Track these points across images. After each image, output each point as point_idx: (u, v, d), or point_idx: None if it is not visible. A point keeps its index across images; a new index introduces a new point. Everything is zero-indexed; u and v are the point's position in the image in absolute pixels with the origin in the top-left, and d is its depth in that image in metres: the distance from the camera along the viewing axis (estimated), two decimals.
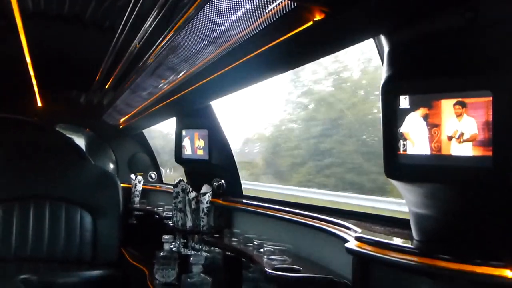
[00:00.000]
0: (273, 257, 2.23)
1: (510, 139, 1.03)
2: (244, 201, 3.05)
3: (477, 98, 1.07)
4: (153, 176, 5.02)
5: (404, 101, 1.20)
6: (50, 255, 4.28)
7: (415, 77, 1.20)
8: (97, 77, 3.36)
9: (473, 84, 1.07)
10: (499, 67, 1.04)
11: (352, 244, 1.52)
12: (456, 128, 1.11)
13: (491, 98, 1.04)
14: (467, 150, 1.10)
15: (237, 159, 3.30)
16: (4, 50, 3.10)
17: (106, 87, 3.49)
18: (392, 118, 1.24)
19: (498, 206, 1.12)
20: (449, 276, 1.19)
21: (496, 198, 1.11)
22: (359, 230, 1.70)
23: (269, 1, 1.41)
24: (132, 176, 4.77)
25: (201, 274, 2.76)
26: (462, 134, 1.10)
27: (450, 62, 1.14)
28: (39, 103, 4.72)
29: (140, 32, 2.23)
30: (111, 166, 5.15)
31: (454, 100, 1.11)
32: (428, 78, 1.17)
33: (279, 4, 1.39)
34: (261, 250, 2.35)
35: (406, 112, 1.21)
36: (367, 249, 1.43)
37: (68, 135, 5.03)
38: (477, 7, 1.06)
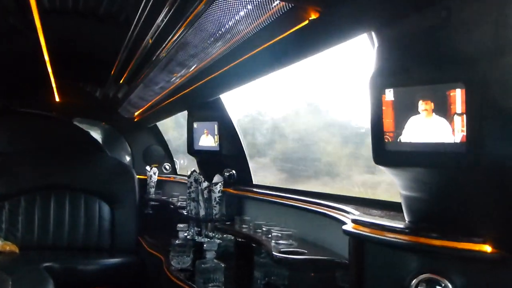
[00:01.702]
0: (280, 241, 2.35)
1: (481, 126, 1.13)
2: (254, 190, 3.16)
3: (454, 89, 1.17)
4: (167, 167, 5.15)
5: (389, 94, 1.31)
6: (70, 243, 4.47)
7: (399, 71, 1.31)
8: (112, 72, 3.47)
9: (448, 78, 1.18)
10: (471, 62, 1.14)
11: (349, 226, 1.64)
12: (433, 118, 1.22)
13: (464, 90, 1.14)
14: (447, 137, 1.21)
15: None
16: (23, 47, 3.24)
17: (121, 81, 3.61)
18: (379, 110, 1.35)
19: (474, 187, 1.22)
20: (434, 252, 1.31)
21: (471, 180, 1.21)
22: (357, 213, 1.82)
23: (269, 1, 1.53)
24: (148, 167, 4.90)
25: (215, 260, 2.90)
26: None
27: (429, 57, 1.24)
28: (57, 98, 4.87)
29: (153, 28, 2.34)
30: (127, 158, 5.29)
31: (435, 91, 1.21)
32: (410, 72, 1.28)
33: (277, 4, 1.51)
34: (269, 235, 2.47)
35: (391, 103, 1.32)
36: (362, 230, 1.55)
37: (85, 129, 5.20)
38: (450, 7, 1.16)
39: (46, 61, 3.36)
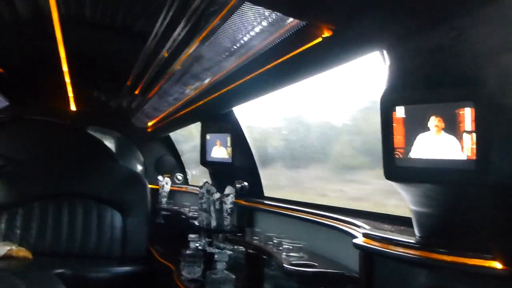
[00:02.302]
0: (290, 253, 2.37)
1: (489, 144, 1.16)
2: (265, 202, 3.18)
3: (463, 108, 1.20)
4: (179, 177, 5.18)
5: (399, 111, 1.34)
6: (82, 251, 4.51)
7: (410, 89, 1.34)
8: (128, 82, 3.54)
9: (457, 96, 1.20)
10: (480, 81, 1.17)
11: (360, 240, 1.66)
12: (443, 135, 1.25)
13: (473, 109, 1.17)
14: (456, 154, 1.23)
15: None
16: (43, 57, 3.33)
17: (136, 92, 3.67)
18: (389, 126, 1.38)
19: (483, 204, 1.24)
20: (444, 267, 1.32)
21: (480, 196, 1.23)
22: (368, 227, 1.83)
23: (283, 19, 1.57)
24: (160, 177, 4.93)
25: (225, 271, 2.91)
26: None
27: (438, 76, 1.27)
28: (72, 106, 4.96)
29: (169, 42, 2.40)
30: (139, 167, 5.34)
31: (444, 109, 1.24)
32: (421, 90, 1.31)
33: (292, 21, 1.55)
34: (280, 247, 2.48)
35: (402, 120, 1.35)
36: (372, 244, 1.57)
37: (99, 137, 5.27)
38: (460, 27, 1.19)
39: (65, 71, 3.44)
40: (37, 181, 4.58)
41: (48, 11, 2.36)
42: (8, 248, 4.17)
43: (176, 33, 2.27)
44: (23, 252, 4.22)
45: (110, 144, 5.57)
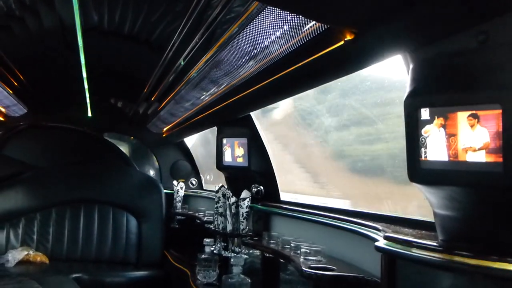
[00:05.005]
0: (309, 257, 2.36)
1: None
2: (281, 205, 3.19)
3: (488, 111, 1.20)
4: (194, 182, 5.21)
5: (424, 113, 1.34)
6: (98, 256, 4.56)
7: (434, 92, 1.34)
8: (145, 90, 3.58)
9: (484, 99, 1.20)
10: (508, 83, 1.17)
11: (381, 243, 1.66)
12: (470, 137, 1.25)
13: (501, 111, 1.17)
14: (480, 157, 1.23)
15: None
16: (63, 65, 3.38)
17: (152, 99, 3.70)
18: (414, 128, 1.38)
19: (508, 206, 1.24)
20: (468, 271, 1.32)
21: (507, 199, 1.23)
22: (389, 230, 1.83)
23: (304, 22, 1.58)
24: (174, 182, 4.96)
25: (241, 275, 2.92)
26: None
27: (465, 78, 1.27)
28: (89, 113, 5.02)
29: (188, 49, 2.42)
30: (154, 172, 5.38)
31: (468, 113, 1.24)
32: (445, 93, 1.31)
33: (313, 25, 1.56)
34: (298, 251, 2.48)
35: (426, 123, 1.35)
36: (395, 247, 1.57)
37: (114, 143, 5.33)
38: (488, 31, 1.19)
39: (84, 78, 3.49)
40: (54, 187, 4.65)
41: (71, 21, 2.41)
42: (26, 253, 4.24)
43: (194, 40, 2.30)
44: (40, 257, 4.29)
45: (125, 149, 5.63)
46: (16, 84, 3.67)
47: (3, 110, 4.45)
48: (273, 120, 3.67)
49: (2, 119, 4.69)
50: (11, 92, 3.81)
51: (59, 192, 4.65)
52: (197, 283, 3.34)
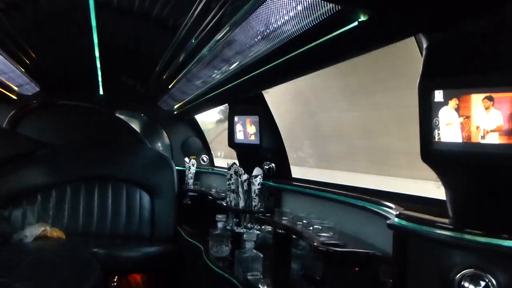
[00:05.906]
0: (321, 233, 2.41)
1: None
2: (293, 182, 3.22)
3: (503, 93, 1.21)
4: (205, 159, 5.25)
5: (438, 95, 1.36)
6: (112, 231, 4.66)
7: (449, 74, 1.35)
8: (157, 68, 3.58)
9: (499, 81, 1.21)
10: None
11: (393, 220, 1.69)
12: (484, 119, 1.26)
13: None
14: (494, 139, 1.25)
15: None
16: (76, 43, 3.40)
17: (164, 77, 3.71)
18: (427, 110, 1.40)
19: None
20: (479, 248, 1.35)
21: None
22: (401, 208, 1.86)
23: (318, 2, 1.57)
24: (186, 159, 5.00)
25: (253, 250, 2.98)
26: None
27: (479, 61, 1.28)
28: (101, 91, 5.06)
29: (200, 28, 2.42)
30: (164, 149, 5.42)
31: (483, 95, 1.26)
32: (460, 75, 1.32)
33: (327, 5, 1.55)
34: (310, 227, 2.52)
35: (440, 105, 1.37)
36: (407, 224, 1.60)
37: (127, 121, 5.37)
38: (504, 14, 1.19)
39: (97, 56, 3.51)
40: (68, 164, 4.73)
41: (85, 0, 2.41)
42: (43, 228, 4.34)
43: (208, 19, 2.29)
44: (57, 233, 4.39)
45: (137, 126, 5.68)
46: (28, 62, 3.70)
47: (15, 88, 4.49)
48: None
49: (15, 97, 4.74)
50: (23, 70, 3.84)
51: (73, 169, 4.73)
52: (210, 258, 3.40)
